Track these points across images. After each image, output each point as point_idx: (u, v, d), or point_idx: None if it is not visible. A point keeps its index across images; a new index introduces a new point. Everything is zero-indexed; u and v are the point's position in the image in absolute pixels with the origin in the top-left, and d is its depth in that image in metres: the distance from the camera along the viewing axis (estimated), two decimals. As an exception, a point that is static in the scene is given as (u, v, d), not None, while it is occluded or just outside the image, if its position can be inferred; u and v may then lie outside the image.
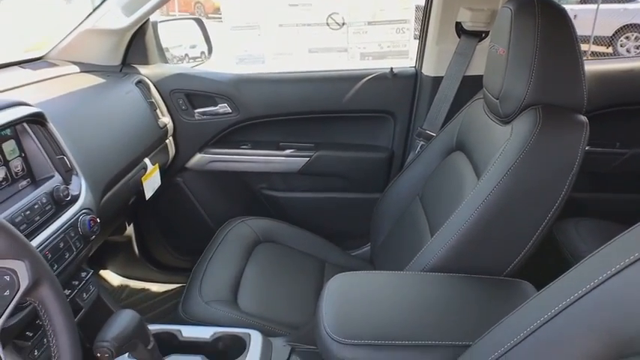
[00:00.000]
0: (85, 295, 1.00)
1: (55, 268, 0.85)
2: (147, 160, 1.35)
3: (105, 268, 1.74)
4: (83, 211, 0.96)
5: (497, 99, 1.01)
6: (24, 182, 0.91)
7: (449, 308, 0.87)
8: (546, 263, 1.04)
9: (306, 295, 1.28)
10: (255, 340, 1.00)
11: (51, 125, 0.95)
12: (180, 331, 1.03)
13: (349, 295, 0.89)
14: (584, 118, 0.91)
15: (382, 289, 0.92)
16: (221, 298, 1.17)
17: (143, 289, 1.72)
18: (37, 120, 0.93)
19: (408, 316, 0.84)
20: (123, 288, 1.72)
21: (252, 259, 1.34)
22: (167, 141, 1.52)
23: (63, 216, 0.91)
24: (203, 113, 1.57)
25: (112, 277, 1.74)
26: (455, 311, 0.86)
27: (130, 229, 1.69)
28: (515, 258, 0.95)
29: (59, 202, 0.91)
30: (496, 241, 0.94)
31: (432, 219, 1.16)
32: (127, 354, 0.96)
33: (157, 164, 1.40)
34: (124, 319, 0.82)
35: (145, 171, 1.35)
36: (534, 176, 0.90)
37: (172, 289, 1.72)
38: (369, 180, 1.61)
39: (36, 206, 0.86)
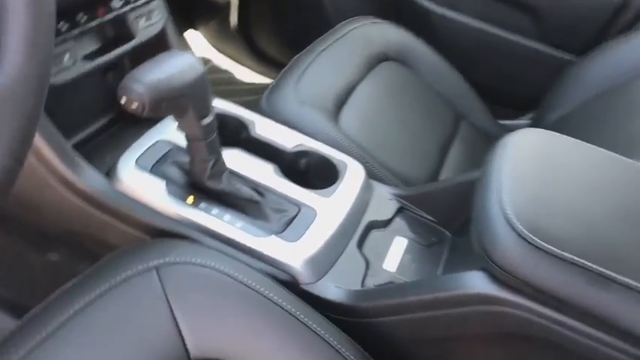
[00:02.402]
0: (143, 21, 0.69)
1: None
2: None
3: (194, 28, 1.44)
4: None
5: None
6: None
7: None
8: None
9: (427, 147, 0.92)
10: (354, 173, 0.67)
11: None
12: (254, 122, 0.72)
13: (555, 172, 0.50)
14: None
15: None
16: (320, 105, 0.83)
17: (228, 71, 1.43)
18: None
19: None
20: (206, 60, 1.43)
21: (371, 75, 0.97)
22: None
23: None
24: None
25: (198, 41, 1.44)
26: None
27: (231, -8, 1.34)
28: None
29: None
30: None
31: None
32: (173, 121, 0.69)
33: None
34: (176, 64, 0.50)
35: None
36: None
37: (263, 83, 1.41)
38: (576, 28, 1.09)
39: None
